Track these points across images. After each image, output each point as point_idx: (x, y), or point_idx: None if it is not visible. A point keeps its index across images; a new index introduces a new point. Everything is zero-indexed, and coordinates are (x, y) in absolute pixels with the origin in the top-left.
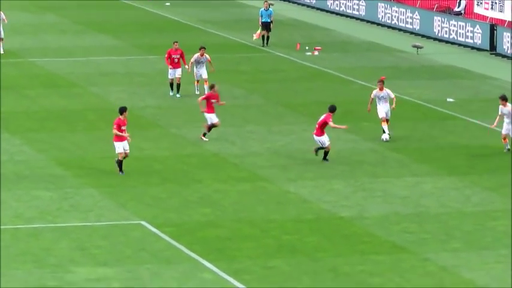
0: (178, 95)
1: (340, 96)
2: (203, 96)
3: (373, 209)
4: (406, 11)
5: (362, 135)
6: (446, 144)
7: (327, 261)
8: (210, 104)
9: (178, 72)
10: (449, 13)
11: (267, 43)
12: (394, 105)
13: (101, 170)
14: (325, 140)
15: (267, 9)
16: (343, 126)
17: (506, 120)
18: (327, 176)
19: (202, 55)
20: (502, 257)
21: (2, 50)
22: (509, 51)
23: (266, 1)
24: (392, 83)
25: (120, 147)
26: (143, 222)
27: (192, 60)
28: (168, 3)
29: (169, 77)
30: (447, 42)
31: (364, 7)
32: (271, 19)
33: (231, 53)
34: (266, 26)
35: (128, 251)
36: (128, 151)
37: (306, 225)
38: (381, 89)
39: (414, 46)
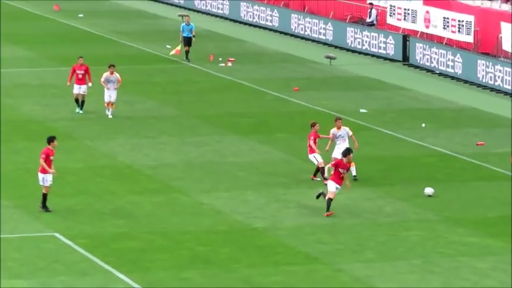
0: (81, 111)
1: (253, 107)
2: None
3: (287, 219)
4: (319, 22)
5: (275, 147)
6: (360, 155)
7: (240, 273)
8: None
9: (83, 88)
10: (362, 24)
11: (187, 58)
12: (356, 145)
13: (14, 182)
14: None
15: (188, 24)
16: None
17: None
18: (241, 187)
19: (112, 73)
20: (415, 267)
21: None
22: (421, 62)
23: (187, 16)
24: (305, 94)
25: (43, 179)
26: (57, 234)
27: (102, 79)
28: (81, 15)
29: (74, 92)
30: (360, 53)
31: (277, 18)
32: (193, 34)
33: (144, 65)
34: (188, 41)
35: (42, 263)
36: (49, 185)
37: (219, 236)
38: (339, 128)
39: (327, 57)
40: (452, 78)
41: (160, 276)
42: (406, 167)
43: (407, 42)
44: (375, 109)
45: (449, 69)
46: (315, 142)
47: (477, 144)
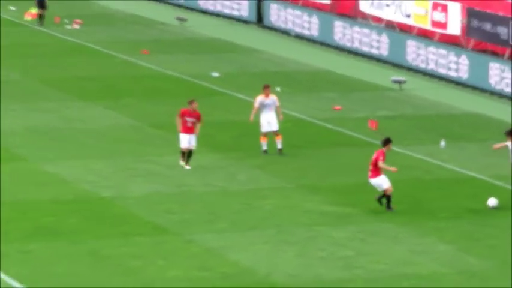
0: None
1: (101, 71)
2: None
3: (135, 188)
4: None
5: (123, 112)
6: (212, 121)
7: (87, 244)
8: None
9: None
10: None
11: (41, 22)
12: (281, 117)
13: None
14: (382, 182)
15: None
16: (393, 169)
17: None
18: (87, 155)
19: None
20: (269, 237)
21: None
22: (276, 24)
23: None
24: (155, 57)
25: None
26: None
27: None
28: None
29: None
30: (212, 14)
31: None
32: None
33: None
34: (41, 4)
35: None
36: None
37: (65, 206)
38: (267, 96)
39: (178, 19)
40: (309, 40)
41: (3, 249)
42: (260, 133)
43: (262, 3)
44: (228, 73)
45: (305, 31)
46: (182, 119)
47: (334, 109)
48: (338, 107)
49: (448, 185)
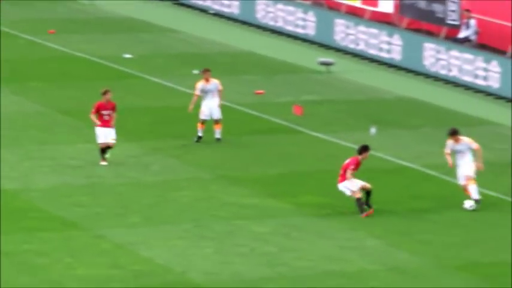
0: None
1: (4, 52)
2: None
3: (41, 180)
4: None
5: (29, 97)
6: (124, 106)
7: None
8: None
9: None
10: None
11: None
12: (220, 101)
13: None
14: (349, 185)
15: None
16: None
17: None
18: None
19: None
20: (185, 232)
21: None
22: (193, 0)
23: None
24: (63, 37)
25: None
26: None
27: None
28: None
29: None
30: None
31: None
32: None
33: None
34: None
35: None
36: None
37: None
38: (207, 81)
39: None
40: (229, 18)
41: None
42: (177, 120)
43: None
44: (141, 54)
45: (225, 9)
46: (97, 113)
47: (256, 93)
48: (260, 91)
49: (378, 175)
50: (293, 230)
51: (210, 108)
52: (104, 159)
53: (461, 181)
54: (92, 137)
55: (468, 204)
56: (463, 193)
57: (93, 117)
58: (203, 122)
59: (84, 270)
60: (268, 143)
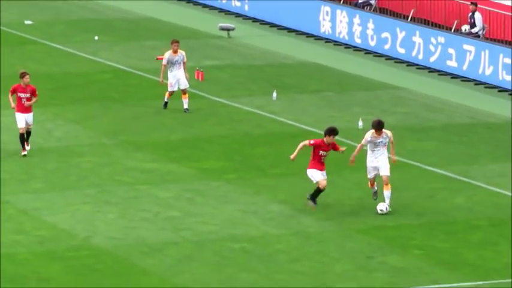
0: None
1: None
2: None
3: None
4: None
5: None
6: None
7: None
8: None
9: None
10: None
11: None
12: (187, 74)
13: None
14: (315, 174)
15: None
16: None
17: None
18: None
19: None
20: (89, 197)
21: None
22: None
23: None
24: None
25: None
26: None
27: None
28: None
29: None
30: None
31: None
32: None
33: None
34: None
35: None
36: None
37: None
38: (175, 52)
39: None
40: None
41: None
42: (78, 86)
43: None
44: (42, 20)
45: None
46: (18, 100)
47: (157, 59)
48: (161, 57)
49: (280, 139)
50: (196, 194)
51: (178, 79)
52: (24, 149)
53: (372, 174)
54: None
55: (383, 206)
56: (366, 185)
57: (10, 99)
58: (171, 93)
59: None
60: (169, 108)
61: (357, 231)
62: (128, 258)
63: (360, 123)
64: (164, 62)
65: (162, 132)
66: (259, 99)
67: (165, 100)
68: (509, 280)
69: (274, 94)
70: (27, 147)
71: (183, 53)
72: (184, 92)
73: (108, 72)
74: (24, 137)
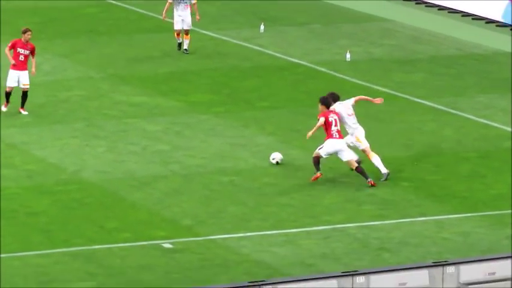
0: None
1: None
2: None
3: None
4: None
5: None
6: (13, 7)
7: None
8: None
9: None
10: None
11: None
12: (198, 16)
13: None
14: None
15: None
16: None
17: None
18: None
19: None
20: (77, 131)
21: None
22: None
23: None
24: None
25: None
26: None
27: None
28: None
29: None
30: None
31: None
32: None
33: None
34: None
35: None
36: None
37: None
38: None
39: None
40: None
41: None
42: (65, 19)
43: None
44: None
45: None
46: (15, 56)
47: None
48: None
49: (267, 72)
50: (185, 128)
51: (183, 18)
52: (7, 103)
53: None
54: None
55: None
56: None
57: (8, 53)
58: (178, 32)
59: None
60: (156, 41)
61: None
62: (116, 191)
63: (348, 55)
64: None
65: (150, 66)
66: (246, 31)
67: (178, 41)
68: (497, 212)
69: (262, 27)
70: (24, 113)
71: None
72: (186, 32)
73: (95, 6)
74: (10, 94)
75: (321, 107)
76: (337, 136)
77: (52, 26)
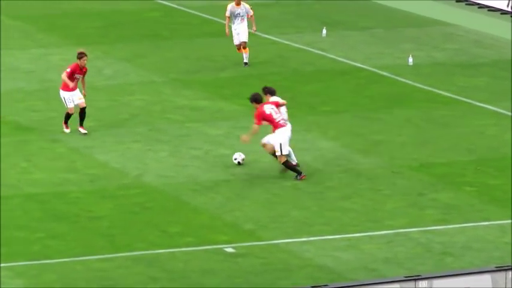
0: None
1: None
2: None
3: None
4: None
5: None
6: (75, 11)
7: None
8: None
9: None
10: None
11: None
12: (254, 28)
13: None
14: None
15: None
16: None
17: None
18: None
19: None
20: (140, 135)
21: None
22: None
23: None
24: None
25: None
26: None
27: None
28: None
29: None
30: None
31: None
32: None
33: None
34: None
35: None
36: None
37: None
38: (238, 4)
39: None
40: None
41: None
42: (127, 23)
43: None
44: None
45: None
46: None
47: None
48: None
49: (329, 76)
50: (245, 132)
51: (238, 32)
52: (67, 125)
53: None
54: (44, 42)
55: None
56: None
57: (67, 80)
58: (238, 47)
59: (40, 175)
60: (218, 46)
61: (408, 168)
62: (178, 196)
63: (410, 60)
64: (227, 13)
65: (212, 70)
66: (308, 36)
67: (245, 61)
68: None
69: (324, 31)
70: (83, 131)
71: (247, 6)
72: (244, 45)
73: (157, 10)
74: (70, 116)
75: (254, 105)
76: (285, 123)
77: (114, 30)
